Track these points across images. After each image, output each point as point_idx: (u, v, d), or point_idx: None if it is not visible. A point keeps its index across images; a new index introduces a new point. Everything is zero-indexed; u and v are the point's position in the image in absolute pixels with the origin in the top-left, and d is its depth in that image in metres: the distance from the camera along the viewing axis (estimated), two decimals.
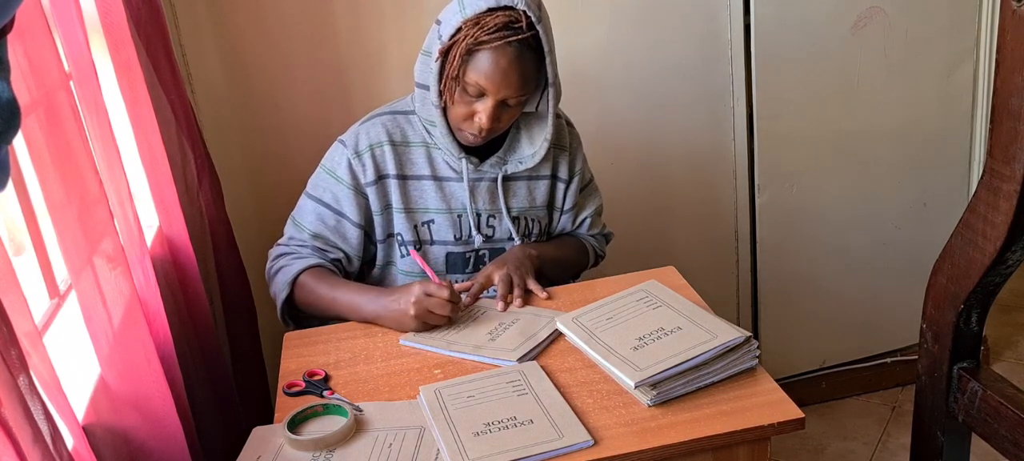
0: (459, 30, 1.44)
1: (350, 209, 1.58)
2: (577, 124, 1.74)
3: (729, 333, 1.28)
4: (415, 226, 1.60)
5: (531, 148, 1.61)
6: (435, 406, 1.23)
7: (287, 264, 1.57)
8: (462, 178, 1.60)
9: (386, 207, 1.60)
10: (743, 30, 2.16)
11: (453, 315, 1.44)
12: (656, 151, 2.23)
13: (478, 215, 1.62)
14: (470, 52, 1.44)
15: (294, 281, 1.55)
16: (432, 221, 1.61)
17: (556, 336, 1.41)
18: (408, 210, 1.60)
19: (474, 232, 1.62)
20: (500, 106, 1.49)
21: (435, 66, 1.48)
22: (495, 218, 1.63)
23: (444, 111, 1.53)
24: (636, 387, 1.21)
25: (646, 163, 2.24)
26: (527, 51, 1.45)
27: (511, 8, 1.42)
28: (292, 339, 1.50)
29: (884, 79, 2.26)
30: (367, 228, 1.61)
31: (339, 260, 1.61)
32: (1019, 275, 1.51)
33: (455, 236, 1.62)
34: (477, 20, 1.43)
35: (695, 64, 2.17)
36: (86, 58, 1.19)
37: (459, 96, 1.49)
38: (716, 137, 2.25)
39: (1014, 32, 1.21)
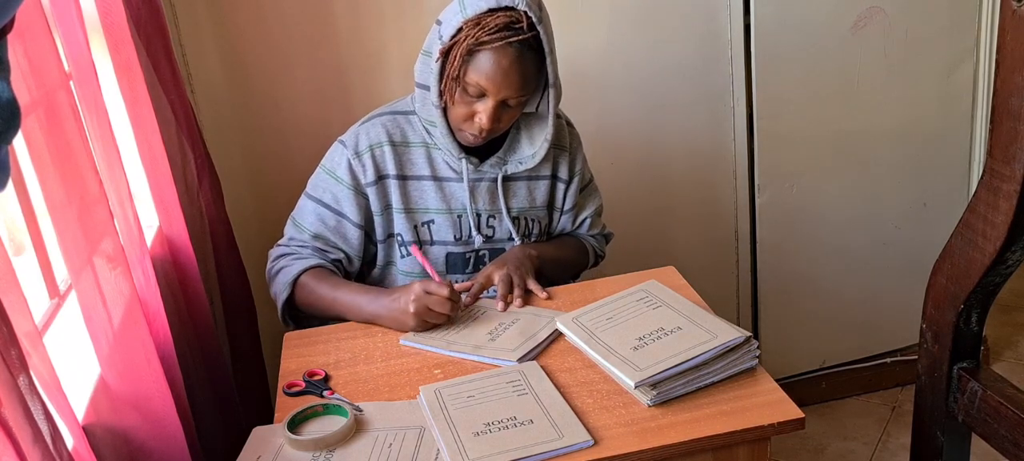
0: (460, 30, 1.44)
1: (350, 209, 1.58)
2: (577, 124, 1.74)
3: (729, 333, 1.28)
4: (415, 226, 1.60)
5: (531, 148, 1.61)
6: (435, 406, 1.23)
7: (288, 265, 1.57)
8: (462, 178, 1.60)
9: (386, 207, 1.60)
10: (743, 30, 2.16)
11: (453, 313, 1.44)
12: (656, 151, 2.23)
13: (478, 215, 1.62)
14: (471, 52, 1.44)
15: (295, 282, 1.55)
16: (432, 221, 1.61)
17: (556, 336, 1.41)
18: (408, 210, 1.60)
19: (474, 232, 1.62)
20: (500, 107, 1.49)
21: (436, 66, 1.48)
22: (495, 218, 1.63)
23: (444, 111, 1.53)
24: (636, 387, 1.21)
25: (646, 163, 2.24)
26: (528, 52, 1.45)
27: (512, 8, 1.42)
28: (292, 339, 1.50)
29: (884, 79, 2.26)
30: (367, 228, 1.61)
31: (339, 260, 1.61)
32: (1019, 275, 1.51)
33: (455, 236, 1.62)
34: (478, 20, 1.43)
35: (695, 64, 2.17)
36: (86, 58, 1.19)
37: (459, 96, 1.49)
38: (716, 137, 2.25)
39: (1014, 32, 1.21)
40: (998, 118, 1.27)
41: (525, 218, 1.67)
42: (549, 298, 1.55)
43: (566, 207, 1.72)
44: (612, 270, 1.71)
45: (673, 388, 1.22)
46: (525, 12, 1.42)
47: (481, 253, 1.64)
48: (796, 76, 2.21)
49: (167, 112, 1.50)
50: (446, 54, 1.46)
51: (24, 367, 0.82)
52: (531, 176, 1.66)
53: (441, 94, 1.50)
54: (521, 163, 1.62)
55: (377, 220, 1.60)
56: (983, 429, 1.42)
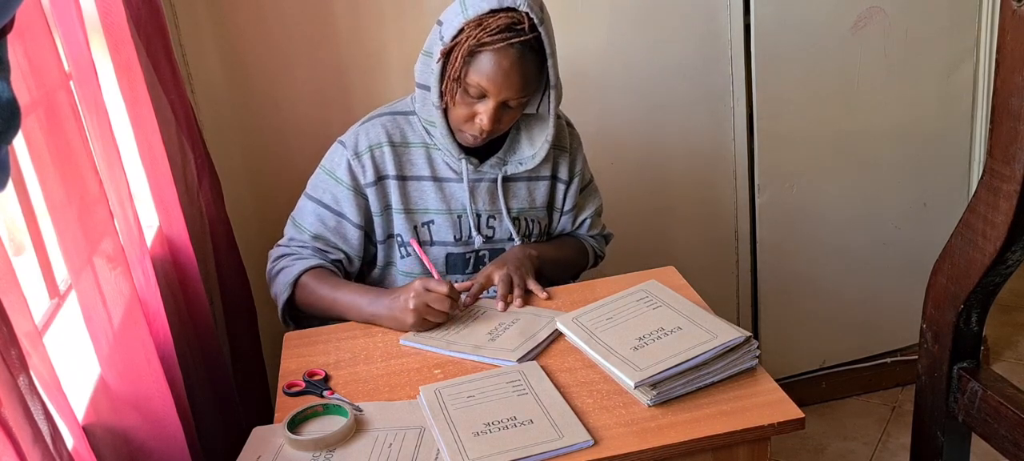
0: (461, 31, 1.44)
1: (350, 210, 1.58)
2: (577, 125, 1.74)
3: (729, 333, 1.28)
4: (415, 227, 1.60)
5: (531, 149, 1.61)
6: (435, 406, 1.23)
7: (288, 265, 1.57)
8: (462, 179, 1.60)
9: (386, 208, 1.60)
10: (743, 30, 2.16)
11: (453, 311, 1.44)
12: (656, 151, 2.23)
13: (478, 216, 1.62)
14: (472, 53, 1.44)
15: (296, 282, 1.55)
16: (432, 222, 1.61)
17: (556, 336, 1.41)
18: (408, 211, 1.60)
19: (474, 233, 1.62)
20: (501, 107, 1.49)
21: (436, 67, 1.48)
22: (495, 219, 1.63)
23: (445, 112, 1.53)
24: (636, 387, 1.21)
25: (646, 163, 2.24)
26: (529, 53, 1.45)
27: (513, 9, 1.42)
28: (292, 339, 1.50)
29: (884, 79, 2.26)
30: (367, 229, 1.61)
31: (340, 261, 1.61)
32: (1019, 275, 1.51)
33: (455, 237, 1.62)
34: (479, 21, 1.43)
35: (695, 64, 2.17)
36: (86, 58, 1.19)
37: (460, 97, 1.49)
38: (716, 137, 2.25)
39: (1014, 32, 1.21)
40: (998, 118, 1.27)
41: (525, 219, 1.67)
42: (549, 298, 1.55)
43: (566, 208, 1.72)
44: (612, 270, 1.71)
45: (673, 388, 1.22)
46: (527, 13, 1.42)
47: (481, 253, 1.64)
48: (796, 76, 2.21)
49: (167, 112, 1.50)
50: (447, 55, 1.46)
51: (24, 367, 0.82)
52: (531, 177, 1.66)
53: (442, 95, 1.50)
54: (521, 164, 1.62)
55: (377, 221, 1.60)
56: (983, 429, 1.42)
